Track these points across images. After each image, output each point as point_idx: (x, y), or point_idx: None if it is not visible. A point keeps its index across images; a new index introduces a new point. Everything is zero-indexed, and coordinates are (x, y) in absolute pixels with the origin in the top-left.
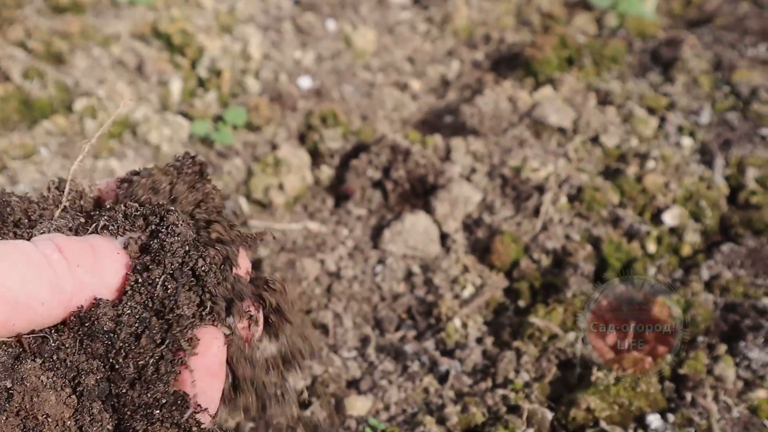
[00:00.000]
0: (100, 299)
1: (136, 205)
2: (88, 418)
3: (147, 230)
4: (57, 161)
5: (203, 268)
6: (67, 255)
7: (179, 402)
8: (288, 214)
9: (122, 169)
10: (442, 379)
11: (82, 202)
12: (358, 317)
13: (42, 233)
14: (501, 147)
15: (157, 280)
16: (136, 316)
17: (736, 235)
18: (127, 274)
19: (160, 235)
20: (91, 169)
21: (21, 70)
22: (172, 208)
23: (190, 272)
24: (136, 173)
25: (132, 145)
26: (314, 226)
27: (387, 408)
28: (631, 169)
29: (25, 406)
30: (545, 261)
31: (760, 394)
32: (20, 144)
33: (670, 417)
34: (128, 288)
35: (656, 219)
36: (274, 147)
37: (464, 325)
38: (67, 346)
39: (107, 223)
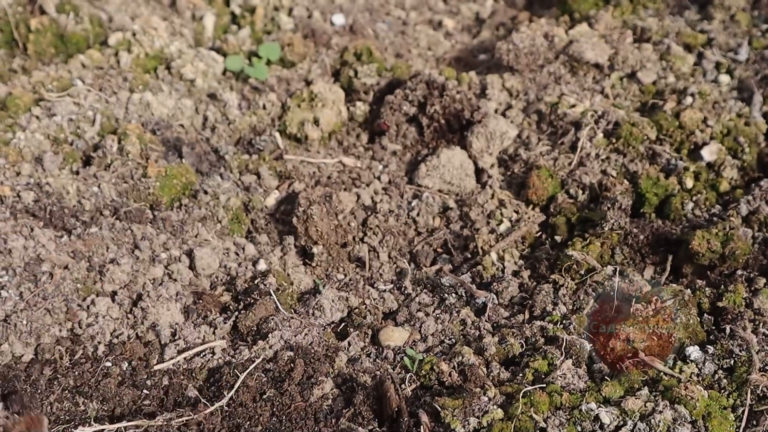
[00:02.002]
0: None
1: None
2: None
3: None
4: (92, 94)
5: None
6: None
7: None
8: (323, 149)
9: (158, 104)
10: (479, 311)
11: None
12: (394, 251)
13: None
14: (537, 83)
15: None
16: None
17: None
18: None
19: None
20: (127, 102)
21: (56, 4)
22: None
23: None
24: None
25: (167, 79)
26: (349, 160)
27: (424, 339)
28: (669, 106)
29: None
30: (582, 196)
31: None
32: (56, 77)
33: (710, 348)
34: None
35: (694, 155)
36: (308, 83)
37: (501, 259)
38: None
39: None
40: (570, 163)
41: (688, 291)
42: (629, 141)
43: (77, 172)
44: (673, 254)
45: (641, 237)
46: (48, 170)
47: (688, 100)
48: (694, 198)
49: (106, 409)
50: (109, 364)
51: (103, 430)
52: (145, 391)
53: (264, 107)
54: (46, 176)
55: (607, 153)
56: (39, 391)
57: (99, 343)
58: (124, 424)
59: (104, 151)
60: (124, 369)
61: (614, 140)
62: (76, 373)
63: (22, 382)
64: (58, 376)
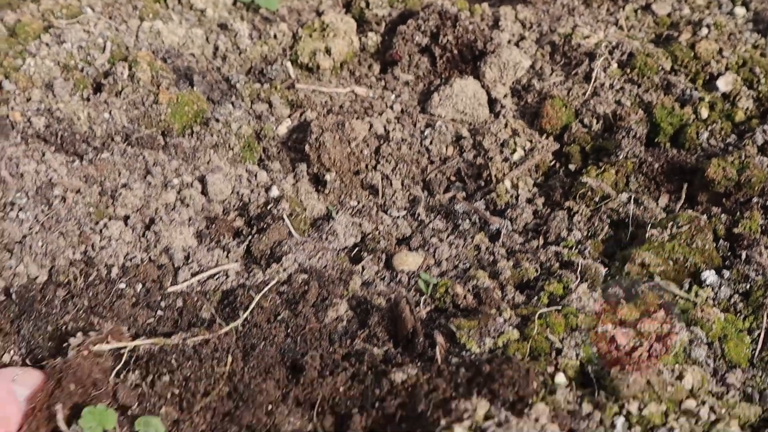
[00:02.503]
0: None
1: None
2: None
3: None
4: (102, 22)
5: None
6: None
7: None
8: (335, 79)
9: (168, 32)
10: (494, 237)
11: None
12: (407, 179)
13: None
14: (550, 15)
15: None
16: None
17: None
18: None
19: None
20: (137, 30)
21: None
22: None
23: None
24: None
25: (177, 9)
26: (361, 90)
27: (438, 264)
28: (684, 37)
29: None
30: (596, 125)
31: None
32: (65, 4)
33: (725, 273)
34: None
35: (709, 85)
36: (319, 14)
37: (514, 187)
38: None
39: None
40: (584, 93)
41: (704, 217)
42: (644, 71)
43: (88, 99)
44: (689, 183)
45: (656, 165)
46: (58, 96)
47: (704, 31)
48: (710, 128)
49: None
50: (123, 285)
51: (121, 347)
52: (159, 312)
53: (275, 37)
54: (57, 102)
55: (621, 83)
56: (54, 311)
57: (112, 265)
58: (139, 341)
59: (115, 77)
60: (138, 290)
61: (628, 71)
62: (91, 293)
63: (38, 302)
64: (73, 296)
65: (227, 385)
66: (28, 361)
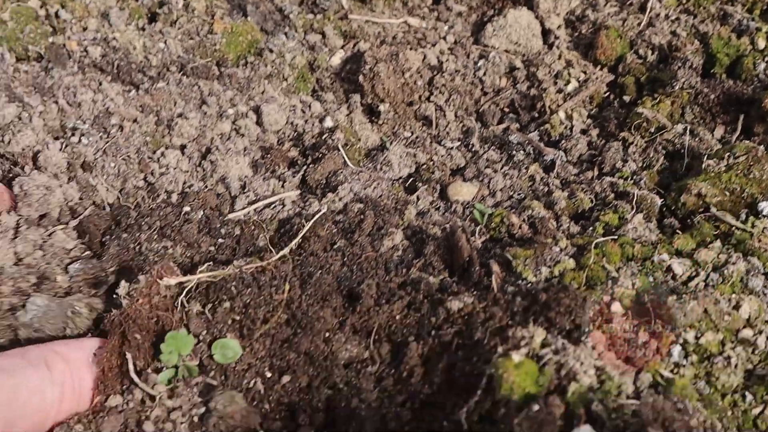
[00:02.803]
0: None
1: None
2: None
3: None
4: None
5: None
6: None
7: None
8: (387, 10)
9: None
10: (548, 168)
11: None
12: (461, 110)
13: None
14: None
15: None
16: None
17: None
18: None
19: None
20: None
21: None
22: None
23: None
24: None
25: None
26: (414, 21)
27: (493, 194)
28: None
29: None
30: (651, 56)
31: None
32: None
33: None
34: None
35: (766, 16)
36: None
37: (569, 118)
38: None
39: None
40: (639, 24)
41: (761, 147)
42: (700, 1)
43: (143, 28)
44: (745, 114)
45: (712, 96)
46: (114, 26)
47: None
48: (766, 58)
49: (187, 254)
50: (188, 209)
51: (185, 281)
52: (219, 239)
53: None
54: (113, 32)
55: (677, 14)
56: (129, 232)
57: (173, 192)
58: (200, 275)
59: (170, 7)
60: (200, 216)
61: (684, 1)
62: (160, 214)
63: (111, 223)
64: (144, 218)
65: (285, 312)
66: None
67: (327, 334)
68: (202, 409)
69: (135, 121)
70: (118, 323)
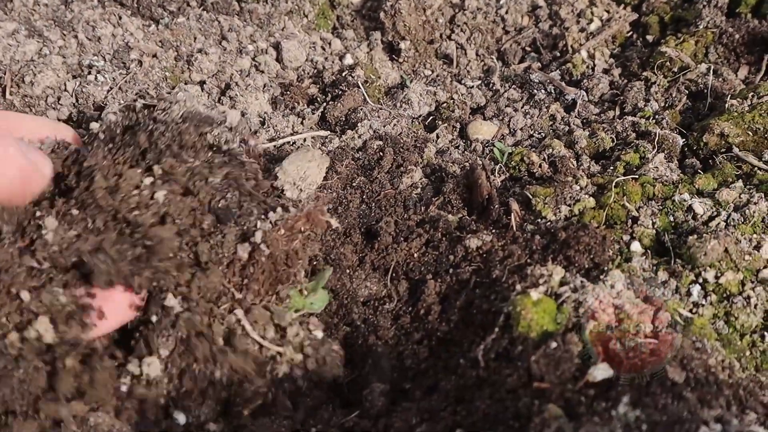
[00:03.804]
0: None
1: None
2: None
3: None
4: None
5: None
6: None
7: None
8: None
9: None
10: (569, 107)
11: None
12: (482, 48)
13: None
14: None
15: None
16: None
17: None
18: None
19: None
20: None
21: None
22: None
23: None
24: None
25: None
26: None
27: (513, 133)
28: None
29: None
30: None
31: None
32: None
33: None
34: None
35: None
36: None
37: (591, 57)
38: None
39: None
40: None
41: None
42: None
43: None
44: None
45: (737, 36)
46: None
47: None
48: None
49: None
50: None
51: None
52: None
53: None
54: None
55: None
56: None
57: None
58: None
59: None
60: None
61: None
62: None
63: None
64: None
65: None
66: None
67: (348, 271)
68: None
69: (155, 56)
70: None
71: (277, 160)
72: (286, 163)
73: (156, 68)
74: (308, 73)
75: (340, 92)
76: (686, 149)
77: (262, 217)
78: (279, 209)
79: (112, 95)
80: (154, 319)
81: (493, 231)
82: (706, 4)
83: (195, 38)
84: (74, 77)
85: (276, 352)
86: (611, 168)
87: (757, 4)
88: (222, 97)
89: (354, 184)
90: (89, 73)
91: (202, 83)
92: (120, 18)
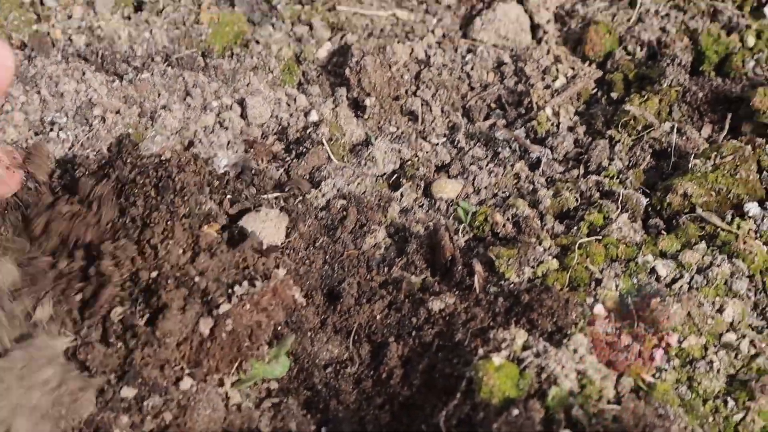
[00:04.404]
0: None
1: None
2: None
3: None
4: None
5: None
6: None
7: None
8: (376, 1)
9: None
10: (534, 165)
11: None
12: (447, 105)
13: None
14: None
15: None
16: None
17: None
18: None
19: None
20: None
21: None
22: None
23: None
24: None
25: None
26: (403, 13)
27: (477, 192)
28: None
29: None
30: (640, 53)
31: None
32: None
33: None
34: None
35: (756, 13)
36: None
37: (555, 114)
38: None
39: None
40: (629, 20)
41: (748, 148)
42: None
43: (129, 17)
44: (733, 112)
45: (700, 94)
46: (100, 14)
47: None
48: (756, 56)
49: None
50: None
51: None
52: None
53: None
54: (98, 20)
55: (666, 9)
56: None
57: None
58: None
59: None
60: None
61: None
62: None
63: None
64: None
65: None
66: None
67: (310, 334)
68: None
69: (118, 112)
70: None
71: (234, 221)
72: (241, 224)
73: (119, 125)
74: (273, 130)
75: (304, 150)
76: (650, 209)
77: (229, 290)
78: (245, 283)
79: (74, 152)
80: None
81: (457, 293)
82: (669, 63)
83: (159, 94)
84: (36, 134)
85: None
86: (575, 228)
87: (720, 63)
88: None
89: (317, 245)
90: (51, 129)
91: (165, 140)
92: (83, 74)
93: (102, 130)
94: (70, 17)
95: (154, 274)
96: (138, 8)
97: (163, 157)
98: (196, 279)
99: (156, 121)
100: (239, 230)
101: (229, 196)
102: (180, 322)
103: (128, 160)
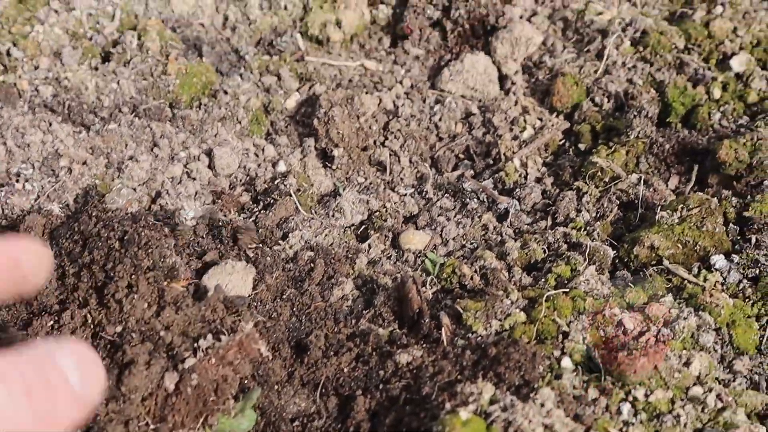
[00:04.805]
0: None
1: None
2: None
3: None
4: None
5: None
6: None
7: None
8: (344, 52)
9: (178, 1)
10: (501, 217)
11: None
12: (415, 156)
13: None
14: None
15: None
16: None
17: None
18: None
19: None
20: None
21: None
22: None
23: None
24: None
25: None
26: (371, 64)
27: (445, 243)
28: (698, 15)
29: None
30: (607, 104)
31: None
32: None
33: (735, 258)
34: None
35: (722, 65)
36: None
37: (523, 166)
38: None
39: None
40: (596, 71)
41: (714, 200)
42: (657, 50)
43: (96, 68)
44: (699, 164)
45: (667, 146)
46: (67, 65)
47: (718, 9)
48: (722, 108)
49: None
50: None
51: None
52: None
53: (285, 8)
54: (65, 71)
55: (634, 61)
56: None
57: None
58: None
59: (124, 46)
60: None
61: (641, 49)
62: None
63: None
64: None
65: None
66: None
67: (277, 387)
68: None
69: (84, 163)
70: None
71: (200, 274)
72: (206, 278)
73: (86, 176)
74: (241, 181)
75: (272, 201)
76: (617, 261)
77: (194, 344)
78: (210, 336)
79: (39, 204)
80: None
81: (424, 346)
82: (636, 114)
83: (126, 145)
84: (1, 186)
85: None
86: (543, 280)
87: (687, 115)
88: (152, 206)
89: (284, 297)
90: (17, 181)
91: (132, 191)
92: (50, 125)
93: (68, 181)
94: (36, 68)
95: (118, 328)
96: (105, 59)
97: (128, 211)
98: (162, 333)
99: (123, 172)
100: (205, 283)
101: (195, 249)
102: (146, 377)
103: (93, 214)
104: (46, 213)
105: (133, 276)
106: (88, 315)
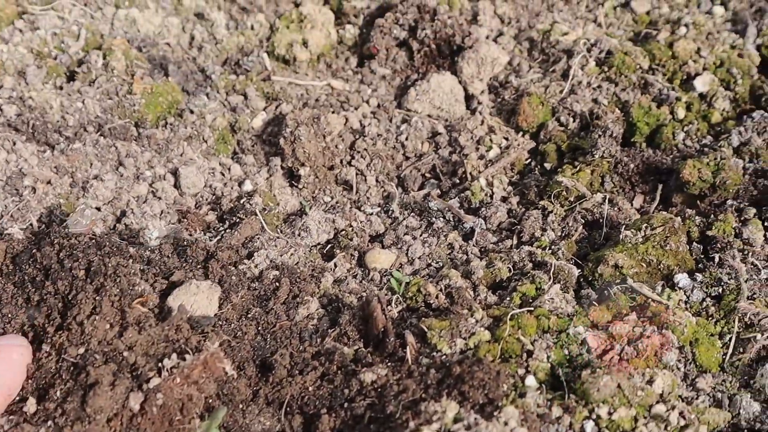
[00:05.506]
0: None
1: None
2: None
3: None
4: (77, 9)
5: None
6: None
7: None
8: (311, 72)
9: (144, 20)
10: (467, 235)
11: None
12: (382, 175)
13: None
14: (529, 11)
15: None
16: None
17: (766, 102)
18: None
19: None
20: (112, 17)
21: None
22: None
23: None
24: None
25: None
26: (338, 83)
27: (411, 262)
28: (662, 36)
29: None
30: (572, 124)
31: None
32: None
33: (698, 276)
34: None
35: (686, 85)
36: (297, 4)
37: (489, 185)
38: None
39: None
40: (561, 91)
41: (678, 219)
42: (621, 70)
43: (61, 87)
44: (663, 183)
45: (631, 166)
46: (31, 84)
47: (682, 30)
48: (686, 128)
49: None
50: None
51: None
52: None
53: (252, 28)
54: (29, 90)
55: (599, 81)
56: None
57: None
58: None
59: (89, 66)
60: None
61: (606, 69)
62: None
63: None
64: None
65: None
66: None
67: (242, 406)
68: None
69: (49, 182)
70: None
71: (165, 294)
72: (171, 299)
73: (50, 195)
74: (206, 200)
75: (237, 220)
76: (582, 280)
77: (158, 364)
78: (174, 356)
79: (3, 224)
80: None
81: (389, 364)
82: (601, 134)
83: (91, 164)
84: None
85: None
86: (508, 299)
87: (651, 135)
88: (117, 225)
89: (249, 316)
90: None
91: (97, 210)
92: (14, 144)
93: (32, 200)
94: (0, 87)
95: (81, 350)
96: (70, 78)
97: (92, 235)
98: (125, 354)
99: (88, 192)
100: (170, 304)
101: (161, 269)
102: (110, 398)
103: (56, 241)
104: (7, 238)
105: (96, 298)
106: (51, 338)
